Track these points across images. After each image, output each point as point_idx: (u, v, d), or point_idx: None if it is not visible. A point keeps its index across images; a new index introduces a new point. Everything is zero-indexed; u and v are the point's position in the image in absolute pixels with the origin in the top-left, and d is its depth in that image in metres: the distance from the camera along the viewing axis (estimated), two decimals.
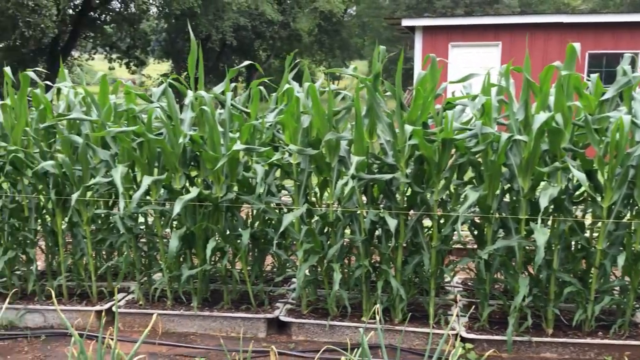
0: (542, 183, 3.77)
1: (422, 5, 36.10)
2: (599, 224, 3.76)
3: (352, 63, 44.99)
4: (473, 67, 15.73)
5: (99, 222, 4.57)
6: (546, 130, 3.61)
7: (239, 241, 4.14)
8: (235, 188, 4.21)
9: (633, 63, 3.97)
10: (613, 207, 3.69)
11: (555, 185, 3.58)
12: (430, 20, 16.68)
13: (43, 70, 5.67)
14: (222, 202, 4.14)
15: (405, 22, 16.28)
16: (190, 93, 4.26)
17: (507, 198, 4.02)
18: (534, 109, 3.75)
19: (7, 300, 4.00)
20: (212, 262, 4.40)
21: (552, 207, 3.79)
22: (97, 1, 22.38)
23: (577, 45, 3.69)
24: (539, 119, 3.43)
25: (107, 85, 4.43)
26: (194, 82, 4.28)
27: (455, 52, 15.77)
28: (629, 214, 3.87)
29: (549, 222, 3.85)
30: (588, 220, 3.94)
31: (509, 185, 3.88)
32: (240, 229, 4.23)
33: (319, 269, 4.26)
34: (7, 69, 4.44)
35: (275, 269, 4.97)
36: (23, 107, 4.29)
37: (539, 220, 3.45)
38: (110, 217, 4.51)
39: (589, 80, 4.01)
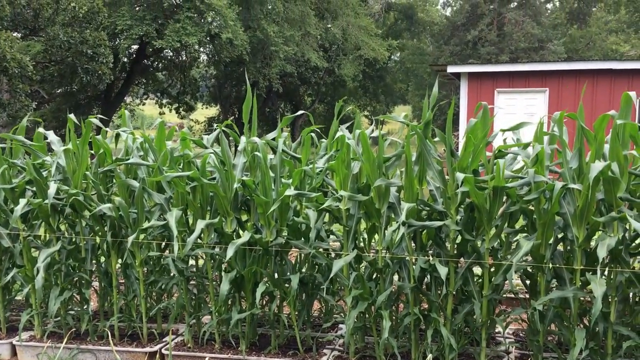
0: (597, 233, 3.68)
1: (466, 51, 36.26)
2: None
3: (396, 108, 45.31)
4: (518, 113, 15.76)
5: (151, 264, 4.67)
6: (601, 179, 3.55)
7: (287, 285, 4.16)
8: (285, 233, 4.26)
9: None
10: None
11: (612, 235, 3.50)
12: (477, 67, 16.80)
13: (102, 116, 5.91)
14: (272, 246, 4.19)
15: (451, 69, 16.44)
16: (243, 139, 4.38)
17: (560, 247, 3.93)
18: (587, 157, 3.70)
19: (65, 340, 4.09)
20: (261, 306, 4.42)
21: (608, 257, 3.68)
22: (151, 49, 23.33)
23: (632, 94, 3.64)
24: (594, 167, 3.38)
25: (164, 131, 4.61)
26: (247, 128, 4.39)
27: (501, 98, 15.76)
28: None
29: (605, 273, 3.74)
30: None
31: (562, 234, 3.81)
32: (289, 274, 4.26)
33: (367, 316, 4.23)
34: (72, 116, 4.66)
35: (322, 315, 4.95)
36: (85, 152, 4.48)
37: (598, 272, 3.36)
38: (162, 259, 4.60)
39: None
